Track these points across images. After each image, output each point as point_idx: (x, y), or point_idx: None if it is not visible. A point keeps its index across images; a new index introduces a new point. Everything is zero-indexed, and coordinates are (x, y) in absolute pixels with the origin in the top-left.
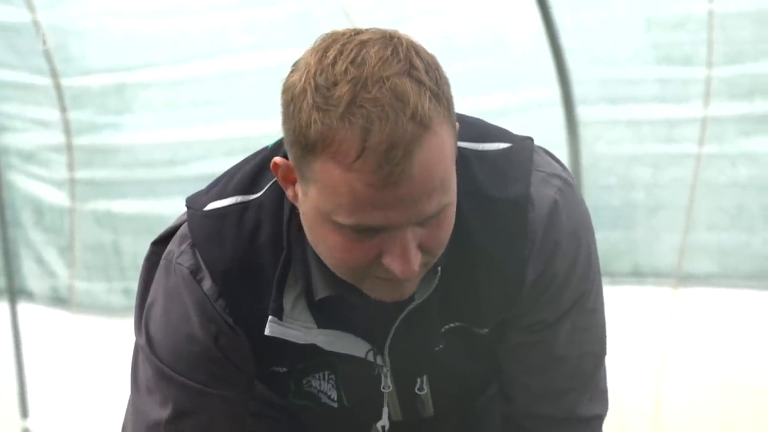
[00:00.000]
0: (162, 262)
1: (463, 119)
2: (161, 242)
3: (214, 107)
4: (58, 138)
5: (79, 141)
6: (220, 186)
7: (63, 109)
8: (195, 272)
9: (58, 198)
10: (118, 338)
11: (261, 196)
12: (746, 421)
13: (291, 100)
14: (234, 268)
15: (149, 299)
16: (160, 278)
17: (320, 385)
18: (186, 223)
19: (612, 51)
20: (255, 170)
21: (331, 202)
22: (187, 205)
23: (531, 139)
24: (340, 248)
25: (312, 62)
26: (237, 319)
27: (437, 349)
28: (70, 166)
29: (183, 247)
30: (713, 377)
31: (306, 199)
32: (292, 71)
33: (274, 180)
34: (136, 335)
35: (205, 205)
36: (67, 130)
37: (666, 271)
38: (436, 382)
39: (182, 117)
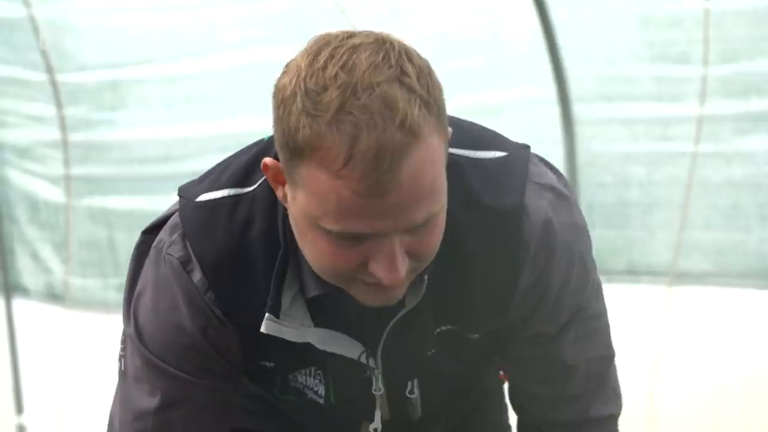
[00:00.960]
0: (152, 252)
1: (458, 124)
2: (152, 231)
3: (208, 104)
4: (53, 134)
5: (74, 137)
6: (213, 177)
7: (58, 105)
8: (185, 263)
9: (53, 194)
10: (113, 334)
11: (255, 189)
12: (740, 419)
13: (281, 102)
14: (224, 260)
15: (138, 288)
16: (150, 268)
17: (306, 380)
18: (177, 212)
19: (608, 49)
20: (250, 163)
21: (318, 208)
22: (180, 195)
23: (527, 148)
24: (327, 253)
25: (303, 65)
26: (226, 312)
27: (429, 353)
28: (66, 162)
29: (174, 237)
30: (708, 376)
31: (294, 202)
32: (283, 73)
33: None
34: (124, 324)
35: (198, 196)
36: (63, 126)
37: (661, 269)
38: (426, 385)
39: (177, 113)
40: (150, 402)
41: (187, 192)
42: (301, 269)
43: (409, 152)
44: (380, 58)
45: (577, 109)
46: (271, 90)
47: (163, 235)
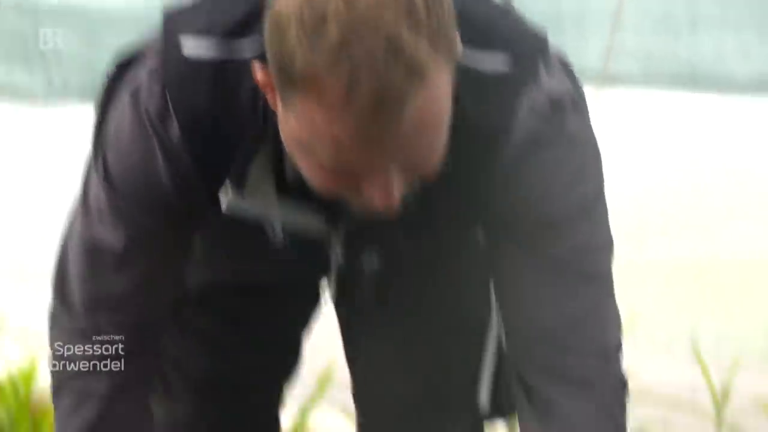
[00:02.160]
0: (129, 92)
1: (466, 17)
2: (128, 65)
3: None
4: None
5: None
6: (205, 18)
7: None
8: (162, 118)
9: None
10: (38, 126)
11: (246, 52)
12: (661, 220)
13: (276, 23)
14: (204, 121)
15: (111, 129)
16: (126, 112)
17: None
18: (161, 54)
19: None
20: (247, 13)
21: (311, 140)
22: (165, 26)
23: (543, 43)
24: (318, 176)
25: None
26: (199, 172)
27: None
28: None
29: (154, 88)
30: (634, 177)
31: (286, 124)
32: None
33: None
34: (92, 164)
35: (185, 38)
36: None
37: (592, 74)
38: (386, 260)
39: None
40: (112, 241)
41: (172, 24)
42: (284, 153)
43: (412, 95)
44: None
45: None
46: None
47: (141, 78)
